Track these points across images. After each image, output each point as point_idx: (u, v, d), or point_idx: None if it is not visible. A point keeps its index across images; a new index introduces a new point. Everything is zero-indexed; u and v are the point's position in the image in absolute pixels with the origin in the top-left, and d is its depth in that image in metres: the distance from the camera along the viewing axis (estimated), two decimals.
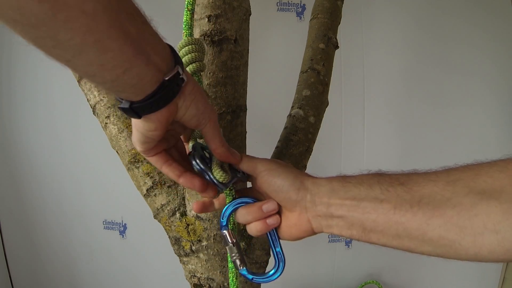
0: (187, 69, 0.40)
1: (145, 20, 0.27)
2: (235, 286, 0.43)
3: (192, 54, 0.40)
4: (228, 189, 0.39)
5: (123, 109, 0.30)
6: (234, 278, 0.43)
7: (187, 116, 0.33)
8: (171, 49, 0.31)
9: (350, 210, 0.33)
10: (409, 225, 0.30)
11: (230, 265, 0.43)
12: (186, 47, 0.40)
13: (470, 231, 0.28)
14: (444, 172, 0.32)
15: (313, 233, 0.37)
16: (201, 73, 0.42)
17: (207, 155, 0.39)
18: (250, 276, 0.39)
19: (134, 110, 0.29)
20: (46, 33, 0.22)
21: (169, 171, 0.37)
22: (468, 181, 0.29)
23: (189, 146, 0.40)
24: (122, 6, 0.24)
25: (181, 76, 0.30)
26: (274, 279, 0.39)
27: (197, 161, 0.37)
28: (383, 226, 0.32)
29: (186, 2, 0.42)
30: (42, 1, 0.20)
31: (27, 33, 0.22)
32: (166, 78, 0.29)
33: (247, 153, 0.54)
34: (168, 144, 0.38)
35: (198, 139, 0.40)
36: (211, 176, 0.36)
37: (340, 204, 0.34)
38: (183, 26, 0.42)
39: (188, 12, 0.42)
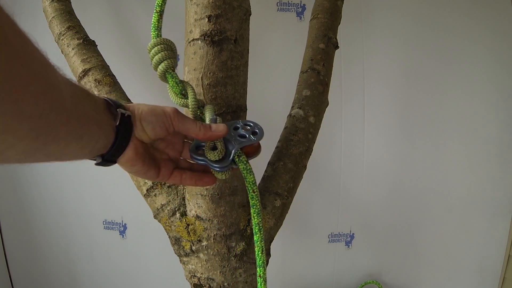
0: (159, 68, 0.41)
1: (91, 95, 0.30)
2: None
3: (162, 53, 0.41)
4: (238, 158, 0.40)
5: (99, 164, 0.34)
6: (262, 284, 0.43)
7: (150, 134, 0.35)
8: (106, 98, 0.34)
9: None
10: None
11: (258, 250, 0.42)
12: (155, 48, 0.41)
13: None
14: None
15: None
16: (174, 70, 0.42)
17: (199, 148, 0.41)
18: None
19: (107, 160, 0.34)
20: (41, 153, 0.25)
21: (187, 182, 0.41)
22: None
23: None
24: (77, 102, 0.27)
25: (126, 114, 0.33)
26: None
27: (195, 156, 0.39)
28: None
29: (156, 4, 0.43)
30: (37, 137, 0.23)
31: (27, 161, 0.25)
32: (117, 124, 0.33)
33: None
34: (175, 163, 0.41)
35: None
36: (208, 161, 0.38)
37: None
38: (151, 28, 0.43)
39: (156, 14, 0.43)
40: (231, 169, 0.40)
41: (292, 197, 0.59)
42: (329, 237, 1.11)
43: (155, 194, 0.56)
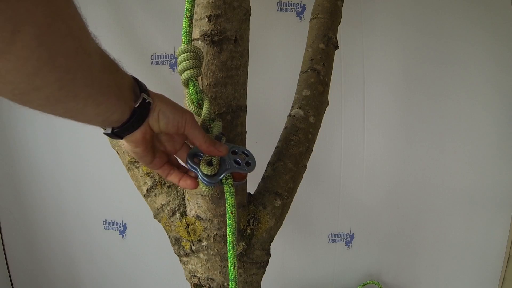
0: (184, 74, 0.43)
1: (116, 65, 0.33)
2: (234, 285, 0.44)
3: (188, 61, 0.42)
4: (226, 180, 0.43)
5: (107, 134, 0.37)
6: (233, 274, 0.44)
7: (162, 127, 0.38)
8: (135, 79, 0.36)
9: None
10: None
11: (230, 266, 0.44)
12: (183, 55, 0.42)
13: None
14: None
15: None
16: (197, 78, 0.44)
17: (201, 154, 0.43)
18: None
19: (116, 134, 0.36)
20: (60, 106, 0.28)
21: (172, 178, 0.44)
22: None
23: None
24: (104, 64, 0.30)
25: (147, 101, 0.36)
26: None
27: (188, 160, 0.42)
28: None
29: (185, 9, 0.43)
30: (61, 88, 0.26)
31: (46, 109, 0.28)
32: (136, 106, 0.35)
33: None
34: (168, 157, 0.44)
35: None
36: (199, 171, 0.41)
37: None
38: (182, 33, 0.44)
39: (187, 19, 0.44)
40: (215, 186, 0.43)
41: (292, 197, 0.59)
42: (329, 237, 1.11)
43: (155, 194, 0.56)
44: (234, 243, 0.44)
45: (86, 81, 0.27)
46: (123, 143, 0.39)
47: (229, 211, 0.43)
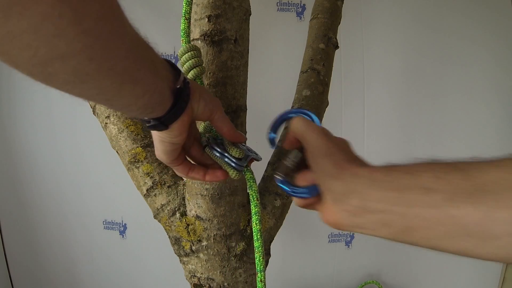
0: (189, 74, 0.43)
1: (147, 41, 0.29)
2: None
3: (193, 60, 0.43)
4: (247, 170, 0.42)
5: (153, 126, 0.33)
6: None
7: (200, 110, 0.36)
8: (167, 60, 0.33)
9: (390, 203, 0.27)
10: (467, 220, 0.23)
11: (258, 256, 0.43)
12: (186, 54, 0.43)
13: None
14: (508, 158, 0.25)
15: (340, 228, 0.32)
16: (202, 76, 0.45)
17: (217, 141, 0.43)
18: (287, 188, 0.37)
19: (164, 122, 0.33)
20: (92, 85, 0.23)
21: (195, 175, 0.41)
22: None
23: (201, 141, 0.42)
24: (136, 37, 0.26)
25: (187, 80, 0.33)
26: (304, 196, 0.36)
27: (215, 148, 0.40)
28: (431, 222, 0.25)
29: (183, 11, 0.44)
30: (92, 58, 0.21)
31: (75, 89, 0.24)
32: (178, 87, 0.32)
33: None
34: (186, 152, 0.41)
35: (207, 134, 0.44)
36: (229, 157, 0.40)
37: (379, 197, 0.27)
38: (181, 33, 0.44)
39: (185, 20, 0.44)
40: (241, 172, 0.42)
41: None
42: (329, 237, 1.11)
43: (155, 194, 0.56)
44: (261, 232, 0.43)
45: (120, 52, 0.23)
46: (160, 135, 0.35)
47: (255, 198, 0.43)
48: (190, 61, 0.43)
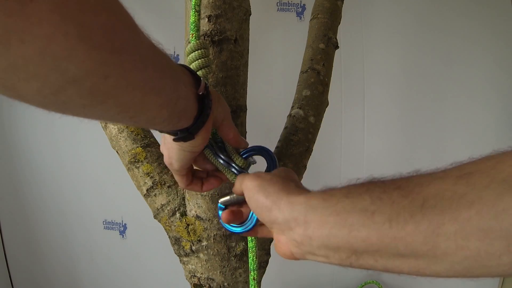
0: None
1: (161, 48, 0.27)
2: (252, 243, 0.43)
3: (202, 60, 0.39)
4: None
5: (181, 138, 0.32)
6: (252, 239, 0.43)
7: (218, 117, 0.35)
8: (184, 65, 0.32)
9: (333, 228, 0.26)
10: (412, 240, 0.23)
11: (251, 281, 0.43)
12: (196, 52, 0.39)
13: (498, 233, 0.20)
14: (454, 167, 0.24)
15: (295, 258, 0.31)
16: (209, 77, 0.43)
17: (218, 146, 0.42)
18: (220, 213, 0.40)
19: (192, 131, 0.31)
20: (112, 104, 0.21)
21: (193, 186, 0.41)
22: (488, 169, 0.22)
23: None
24: (151, 45, 0.25)
25: (207, 85, 0.32)
26: (227, 229, 0.38)
27: (220, 155, 0.40)
28: (378, 246, 0.24)
29: (193, 3, 0.40)
30: (107, 76, 0.19)
31: (94, 112, 0.22)
32: (201, 93, 0.30)
33: None
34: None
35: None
36: (234, 165, 0.40)
37: (320, 223, 0.27)
38: (191, 27, 0.40)
39: (195, 13, 0.40)
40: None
41: None
42: None
43: (155, 194, 0.56)
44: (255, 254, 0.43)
45: (136, 64, 0.22)
46: (179, 144, 0.34)
47: None
48: (198, 60, 0.39)
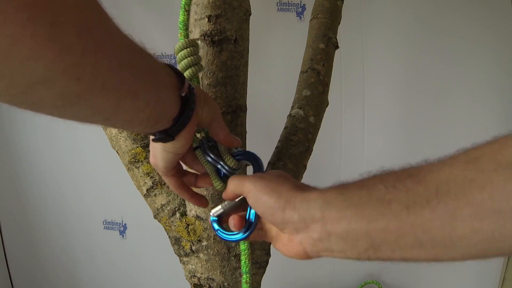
0: (186, 73, 0.40)
1: (144, 49, 0.27)
2: (245, 245, 0.43)
3: (190, 58, 0.39)
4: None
5: (159, 139, 0.31)
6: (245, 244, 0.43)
7: (203, 117, 0.34)
8: (170, 66, 0.31)
9: (352, 221, 0.26)
10: (431, 225, 0.23)
11: (244, 277, 0.43)
12: (184, 51, 0.39)
13: (510, 214, 0.21)
14: (461, 153, 0.25)
15: (308, 257, 0.31)
16: (200, 75, 0.42)
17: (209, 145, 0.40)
18: (216, 228, 0.38)
19: (170, 133, 0.31)
20: (86, 106, 0.21)
21: (183, 193, 0.40)
22: (494, 154, 0.23)
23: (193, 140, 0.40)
24: (131, 46, 0.24)
25: (192, 87, 0.31)
26: (233, 240, 0.37)
27: (210, 154, 0.38)
28: (397, 234, 0.24)
29: (182, 3, 0.41)
30: (79, 78, 0.19)
31: (67, 113, 0.21)
32: (183, 94, 0.30)
33: None
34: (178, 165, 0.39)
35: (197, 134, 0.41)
36: (224, 165, 0.38)
37: (338, 217, 0.27)
38: (179, 26, 0.41)
39: (185, 12, 0.41)
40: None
41: None
42: None
43: (155, 194, 0.56)
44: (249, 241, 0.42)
45: (112, 65, 0.21)
46: (162, 145, 0.34)
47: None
48: (187, 58, 0.39)
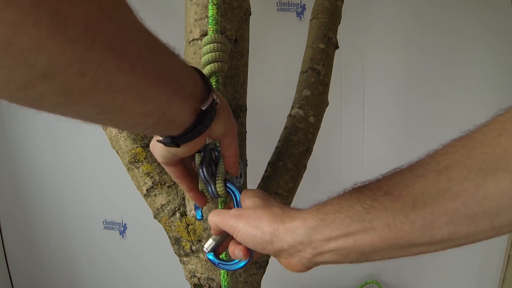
0: (206, 68, 0.38)
1: (168, 49, 0.25)
2: (226, 282, 0.43)
3: (215, 53, 0.38)
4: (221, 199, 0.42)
5: (163, 143, 0.30)
6: (225, 275, 0.44)
7: (216, 133, 0.32)
8: (199, 72, 0.29)
9: (339, 241, 0.28)
10: (411, 236, 0.26)
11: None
12: (210, 45, 0.38)
13: (482, 216, 0.23)
14: (432, 160, 0.27)
15: (309, 269, 0.33)
16: (220, 74, 0.40)
17: (213, 156, 0.40)
18: (217, 261, 0.38)
19: (175, 142, 0.29)
20: (89, 105, 0.19)
21: (182, 183, 0.39)
22: (464, 159, 0.25)
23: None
24: (149, 45, 0.22)
25: (215, 101, 0.29)
26: (239, 268, 0.37)
27: (204, 172, 0.38)
28: (382, 246, 0.27)
29: None
30: (83, 74, 0.17)
31: (69, 111, 0.20)
32: (203, 108, 0.28)
33: (247, 153, 0.54)
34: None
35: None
36: (212, 188, 0.38)
37: (326, 239, 0.29)
38: (209, 21, 0.39)
39: (213, 6, 0.39)
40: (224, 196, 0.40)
41: (292, 197, 0.59)
42: None
43: (155, 194, 0.56)
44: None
45: (121, 65, 0.19)
46: (156, 146, 0.33)
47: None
48: (210, 53, 0.38)
